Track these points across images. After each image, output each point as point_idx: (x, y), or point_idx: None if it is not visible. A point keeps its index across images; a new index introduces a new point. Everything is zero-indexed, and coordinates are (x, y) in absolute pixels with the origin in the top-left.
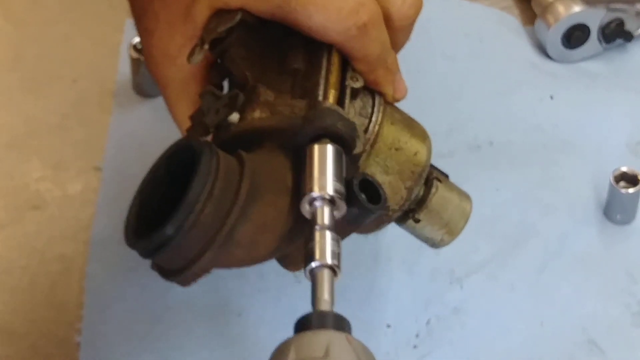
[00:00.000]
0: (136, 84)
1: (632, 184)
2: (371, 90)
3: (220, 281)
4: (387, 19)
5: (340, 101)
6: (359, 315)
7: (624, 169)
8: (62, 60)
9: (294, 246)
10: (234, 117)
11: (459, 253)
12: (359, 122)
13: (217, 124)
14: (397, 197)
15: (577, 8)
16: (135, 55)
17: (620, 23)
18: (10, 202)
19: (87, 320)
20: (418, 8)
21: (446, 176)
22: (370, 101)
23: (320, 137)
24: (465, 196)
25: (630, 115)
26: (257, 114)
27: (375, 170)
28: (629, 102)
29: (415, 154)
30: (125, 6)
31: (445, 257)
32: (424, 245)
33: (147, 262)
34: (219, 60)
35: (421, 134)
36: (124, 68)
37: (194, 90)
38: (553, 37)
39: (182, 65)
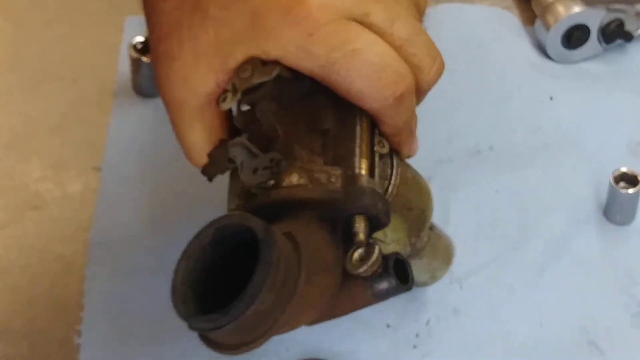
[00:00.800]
0: (136, 84)
1: (632, 184)
2: (390, 150)
3: None
4: (417, 86)
5: (371, 170)
6: (359, 315)
7: (624, 169)
8: (62, 60)
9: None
10: (270, 181)
11: (459, 254)
12: (380, 184)
13: (255, 185)
14: (402, 253)
15: (577, 8)
16: (135, 55)
17: (620, 23)
18: (10, 202)
19: (87, 321)
20: (441, 74)
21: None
22: (389, 162)
23: (359, 213)
24: (450, 242)
25: (631, 116)
26: (294, 178)
27: (386, 229)
28: (629, 103)
29: (423, 212)
30: (126, 6)
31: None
32: None
33: (147, 263)
34: (243, 107)
35: (426, 191)
36: (124, 68)
37: (209, 118)
38: (553, 37)
39: (201, 93)
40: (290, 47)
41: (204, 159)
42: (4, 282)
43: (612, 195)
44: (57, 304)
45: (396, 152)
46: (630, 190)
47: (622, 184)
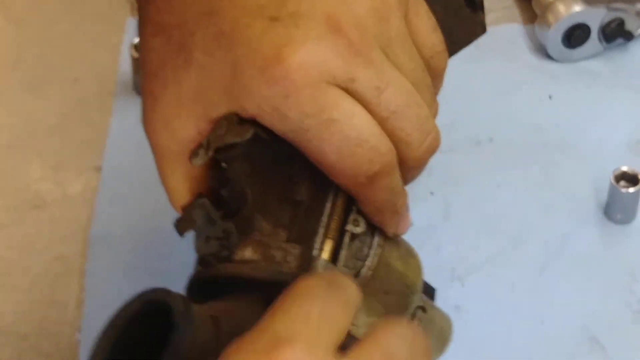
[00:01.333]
0: (137, 84)
1: (632, 183)
2: (372, 227)
3: None
4: (403, 162)
5: (335, 252)
6: None
7: (624, 168)
8: (63, 60)
9: None
10: (224, 252)
11: (460, 251)
12: (352, 265)
13: (203, 254)
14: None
15: (577, 8)
16: (136, 55)
17: (621, 23)
18: (10, 202)
19: (87, 318)
20: (434, 151)
21: (432, 292)
22: (369, 241)
23: None
24: (446, 323)
25: (631, 115)
26: (248, 253)
27: (359, 312)
28: (629, 102)
29: (405, 295)
30: (126, 6)
31: (446, 255)
32: (425, 243)
33: (147, 262)
34: (223, 165)
35: (415, 270)
36: (125, 68)
37: (190, 166)
38: (553, 36)
39: (181, 139)
40: (265, 106)
41: (184, 205)
42: (5, 282)
43: (613, 194)
44: (57, 304)
45: (380, 231)
46: (631, 189)
47: (622, 182)
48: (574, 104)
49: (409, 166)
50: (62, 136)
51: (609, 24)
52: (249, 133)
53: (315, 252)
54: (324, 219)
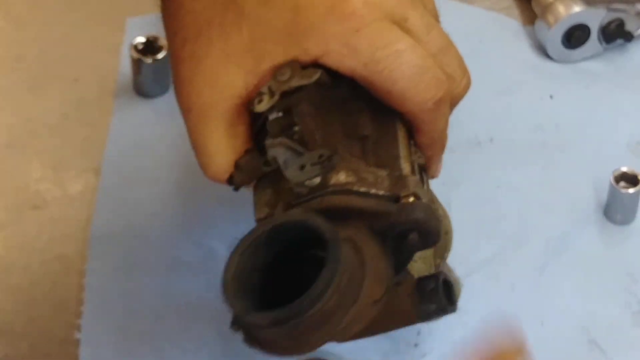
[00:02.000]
0: (137, 84)
1: (632, 184)
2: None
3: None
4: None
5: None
6: None
7: (624, 169)
8: (63, 60)
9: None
10: (316, 179)
11: (459, 252)
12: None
13: (299, 182)
14: (426, 273)
15: (577, 8)
16: (136, 55)
17: (621, 23)
18: (10, 202)
19: (87, 317)
20: (468, 89)
21: None
22: (422, 177)
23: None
24: (457, 281)
25: (630, 115)
26: (342, 177)
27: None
28: (629, 102)
29: (447, 232)
30: (126, 6)
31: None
32: None
33: (147, 261)
34: (271, 115)
35: (445, 211)
36: (125, 68)
37: (235, 124)
38: (553, 37)
39: (228, 96)
40: (334, 44)
41: (223, 169)
42: (5, 282)
43: (613, 194)
44: (57, 304)
45: (425, 172)
46: (631, 190)
47: (622, 183)
48: (574, 104)
49: (452, 101)
50: (62, 136)
51: (608, 24)
52: (316, 75)
53: (404, 172)
54: (400, 146)
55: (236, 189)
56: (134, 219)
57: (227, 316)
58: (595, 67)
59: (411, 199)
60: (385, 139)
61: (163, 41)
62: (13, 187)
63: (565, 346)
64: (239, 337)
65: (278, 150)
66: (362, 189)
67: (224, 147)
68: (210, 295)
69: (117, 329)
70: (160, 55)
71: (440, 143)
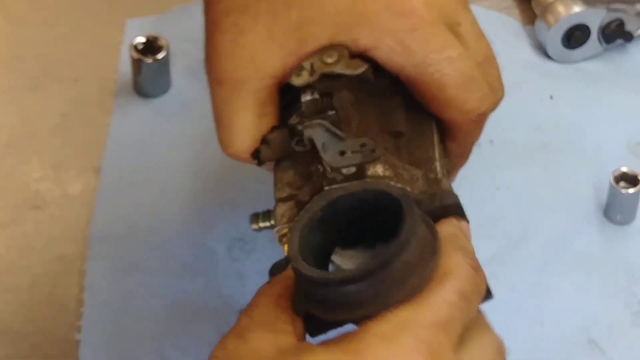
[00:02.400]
0: (137, 84)
1: (632, 184)
2: None
3: (221, 280)
4: None
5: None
6: None
7: (624, 169)
8: (62, 60)
9: None
10: (353, 168)
11: None
12: None
13: (336, 168)
14: None
15: (577, 8)
16: (136, 55)
17: (621, 23)
18: (10, 202)
19: (87, 318)
20: (501, 101)
21: None
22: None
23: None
24: None
25: (630, 115)
26: (379, 169)
27: None
28: (629, 102)
29: None
30: (126, 6)
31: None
32: None
33: (147, 261)
34: (304, 96)
35: None
36: (125, 68)
37: (266, 102)
38: (553, 37)
39: (265, 73)
40: (387, 39)
41: (246, 147)
42: (5, 282)
43: (613, 195)
44: (57, 304)
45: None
46: (631, 190)
47: (622, 183)
48: (574, 104)
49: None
50: (62, 136)
51: (608, 24)
52: (362, 67)
53: (439, 175)
54: (437, 149)
55: (260, 163)
56: (134, 219)
57: (227, 316)
58: (595, 67)
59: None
60: (420, 139)
61: (163, 41)
62: (13, 187)
63: (565, 346)
64: None
65: (317, 132)
66: (399, 186)
67: (251, 125)
68: (210, 295)
69: (117, 329)
70: (160, 55)
71: (468, 154)
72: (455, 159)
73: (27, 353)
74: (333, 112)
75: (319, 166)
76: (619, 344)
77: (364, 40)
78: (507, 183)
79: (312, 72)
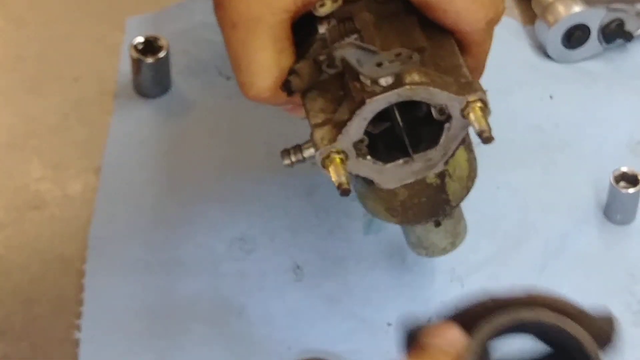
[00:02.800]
0: (137, 84)
1: (632, 184)
2: None
3: (221, 279)
4: None
5: None
6: (360, 313)
7: (624, 169)
8: (63, 60)
9: None
10: (389, 78)
11: (459, 252)
12: None
13: (375, 79)
14: (461, 196)
15: (577, 8)
16: (136, 55)
17: (621, 23)
18: (10, 202)
19: (86, 317)
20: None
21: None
22: None
23: None
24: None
25: (630, 115)
26: (416, 77)
27: (455, 163)
28: (629, 102)
29: (475, 159)
30: (126, 6)
31: (445, 256)
32: None
33: (147, 261)
34: (333, 22)
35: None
36: (125, 68)
37: (282, 38)
38: (553, 37)
39: (278, 9)
40: None
41: (267, 86)
42: (4, 282)
43: (613, 194)
44: (57, 304)
45: None
46: (631, 190)
47: (622, 183)
48: (574, 104)
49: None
50: (62, 136)
51: (608, 24)
52: None
53: (470, 79)
54: (459, 56)
55: (290, 94)
56: (133, 219)
57: (227, 316)
58: (595, 67)
59: (478, 104)
60: (442, 51)
61: (163, 41)
62: (13, 187)
63: None
64: (243, 337)
65: (348, 51)
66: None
67: (270, 63)
68: (210, 295)
69: (116, 329)
70: (160, 55)
71: (481, 69)
72: (472, 73)
73: (27, 353)
74: (354, 35)
75: (355, 83)
76: (619, 343)
77: None
78: (507, 183)
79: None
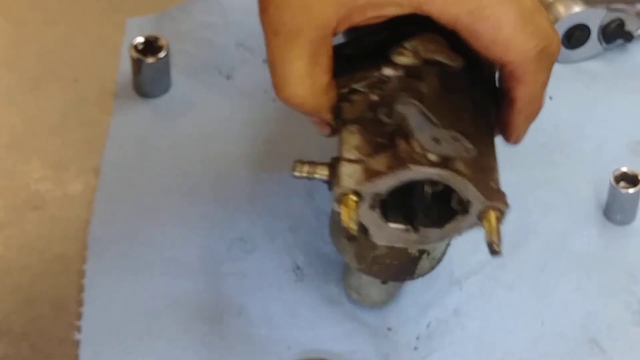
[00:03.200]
0: (137, 84)
1: (632, 184)
2: None
3: (221, 279)
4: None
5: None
6: (360, 318)
7: (624, 169)
8: (62, 60)
9: None
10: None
11: (458, 254)
12: None
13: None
14: (425, 273)
15: (577, 8)
16: (136, 55)
17: (621, 23)
18: (10, 202)
19: (87, 318)
20: (558, 55)
21: None
22: None
23: None
24: None
25: (630, 115)
26: (461, 166)
27: (437, 247)
28: (629, 102)
29: (450, 244)
30: (126, 6)
31: (445, 258)
32: None
33: (146, 261)
34: (401, 72)
35: None
36: (125, 68)
37: (320, 52)
38: None
39: (320, 24)
40: None
41: (298, 95)
42: (4, 282)
43: (613, 194)
44: (57, 304)
45: None
46: (631, 190)
47: (622, 183)
48: (574, 104)
49: (548, 62)
50: (62, 136)
51: (608, 24)
52: (459, 62)
53: (499, 187)
54: (496, 159)
55: (337, 119)
56: (133, 219)
57: (227, 316)
58: (595, 67)
59: (497, 214)
60: (484, 147)
61: (163, 41)
62: (13, 187)
63: (565, 346)
64: (242, 337)
65: (411, 112)
66: (472, 185)
67: (304, 74)
68: (211, 295)
69: (117, 329)
70: (160, 55)
71: (537, 104)
72: (527, 107)
73: (27, 353)
74: (416, 93)
75: (404, 142)
76: (619, 343)
77: None
78: (507, 183)
79: (415, 54)
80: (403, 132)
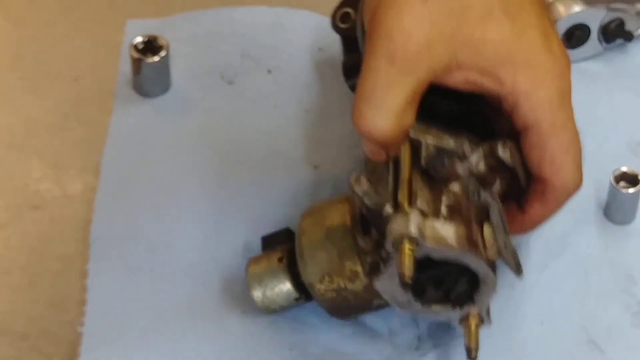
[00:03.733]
0: (137, 84)
1: (632, 184)
2: None
3: (222, 281)
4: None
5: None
6: (361, 320)
7: (624, 169)
8: (63, 60)
9: None
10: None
11: None
12: None
13: (492, 246)
14: None
15: (577, 8)
16: (136, 55)
17: (621, 23)
18: (10, 202)
19: (88, 317)
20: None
21: None
22: None
23: None
24: None
25: (630, 116)
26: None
27: None
28: (629, 102)
29: None
30: (126, 6)
31: None
32: None
33: (147, 262)
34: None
35: None
36: (125, 68)
37: (414, 100)
38: None
39: (437, 68)
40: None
41: (382, 123)
42: (4, 282)
43: (613, 194)
44: (57, 304)
45: None
46: (631, 190)
47: (622, 183)
48: (574, 104)
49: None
50: (62, 136)
51: (608, 24)
52: (524, 181)
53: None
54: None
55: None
56: (133, 219)
57: (228, 317)
58: (595, 67)
59: (477, 319)
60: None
61: (163, 41)
62: (13, 187)
63: (564, 346)
64: (245, 336)
65: (494, 206)
66: None
67: (400, 110)
68: (211, 296)
69: (117, 329)
70: (160, 55)
71: (558, 207)
72: (536, 218)
73: (27, 353)
74: (489, 190)
75: (477, 229)
76: (618, 344)
77: (506, 79)
78: None
79: (512, 156)
80: (478, 215)
